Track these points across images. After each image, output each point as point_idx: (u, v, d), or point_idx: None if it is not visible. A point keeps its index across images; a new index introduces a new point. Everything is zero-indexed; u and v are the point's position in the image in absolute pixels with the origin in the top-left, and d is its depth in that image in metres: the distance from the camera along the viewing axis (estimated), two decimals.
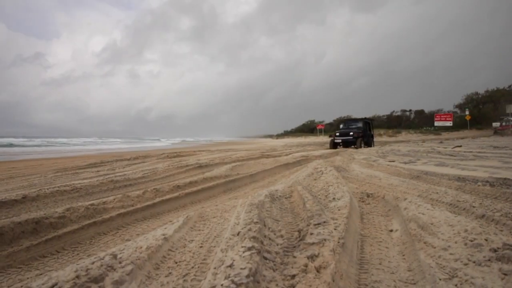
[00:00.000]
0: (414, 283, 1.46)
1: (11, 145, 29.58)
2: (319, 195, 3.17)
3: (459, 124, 44.07)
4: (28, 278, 1.73)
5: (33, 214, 2.53)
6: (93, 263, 1.39)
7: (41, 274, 1.76)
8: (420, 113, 64.12)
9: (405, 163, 6.64)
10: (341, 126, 19.67)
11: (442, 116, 42.40)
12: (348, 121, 19.92)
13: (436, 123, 42.23)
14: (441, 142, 19.87)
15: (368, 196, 3.25)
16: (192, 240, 2.05)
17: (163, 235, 1.97)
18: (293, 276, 1.35)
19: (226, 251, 1.70)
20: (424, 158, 7.69)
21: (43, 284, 1.20)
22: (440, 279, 1.32)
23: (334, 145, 17.66)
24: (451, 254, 1.52)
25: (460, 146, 12.94)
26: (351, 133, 17.38)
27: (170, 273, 1.56)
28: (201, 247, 1.94)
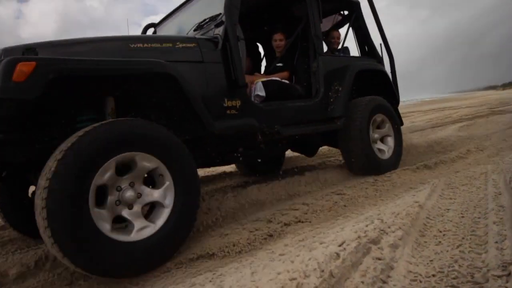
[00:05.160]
0: None
1: None
2: None
3: None
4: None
5: None
6: (367, 225, 1.51)
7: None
8: None
9: None
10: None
11: None
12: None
13: None
14: None
15: None
16: (448, 209, 1.93)
17: (416, 202, 1.94)
18: None
19: (502, 225, 1.52)
20: None
21: (333, 240, 1.39)
22: None
23: None
24: None
25: None
26: None
27: (439, 242, 1.52)
28: (462, 217, 1.79)
